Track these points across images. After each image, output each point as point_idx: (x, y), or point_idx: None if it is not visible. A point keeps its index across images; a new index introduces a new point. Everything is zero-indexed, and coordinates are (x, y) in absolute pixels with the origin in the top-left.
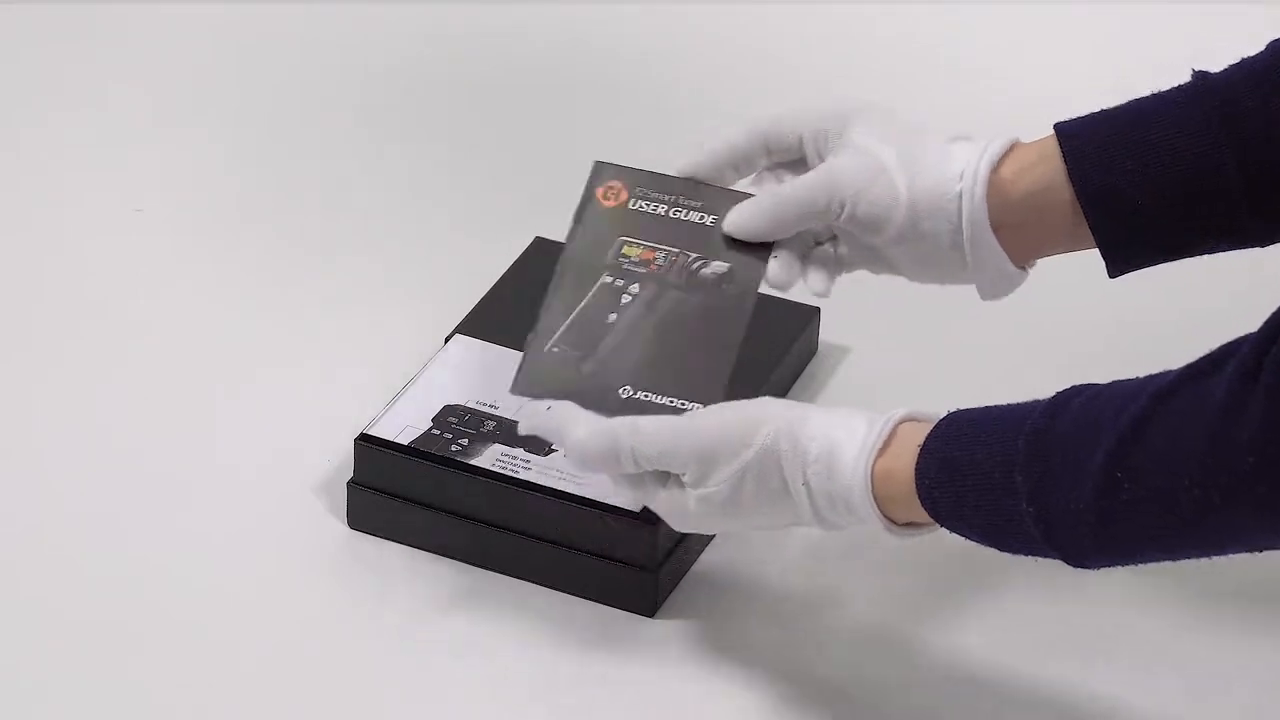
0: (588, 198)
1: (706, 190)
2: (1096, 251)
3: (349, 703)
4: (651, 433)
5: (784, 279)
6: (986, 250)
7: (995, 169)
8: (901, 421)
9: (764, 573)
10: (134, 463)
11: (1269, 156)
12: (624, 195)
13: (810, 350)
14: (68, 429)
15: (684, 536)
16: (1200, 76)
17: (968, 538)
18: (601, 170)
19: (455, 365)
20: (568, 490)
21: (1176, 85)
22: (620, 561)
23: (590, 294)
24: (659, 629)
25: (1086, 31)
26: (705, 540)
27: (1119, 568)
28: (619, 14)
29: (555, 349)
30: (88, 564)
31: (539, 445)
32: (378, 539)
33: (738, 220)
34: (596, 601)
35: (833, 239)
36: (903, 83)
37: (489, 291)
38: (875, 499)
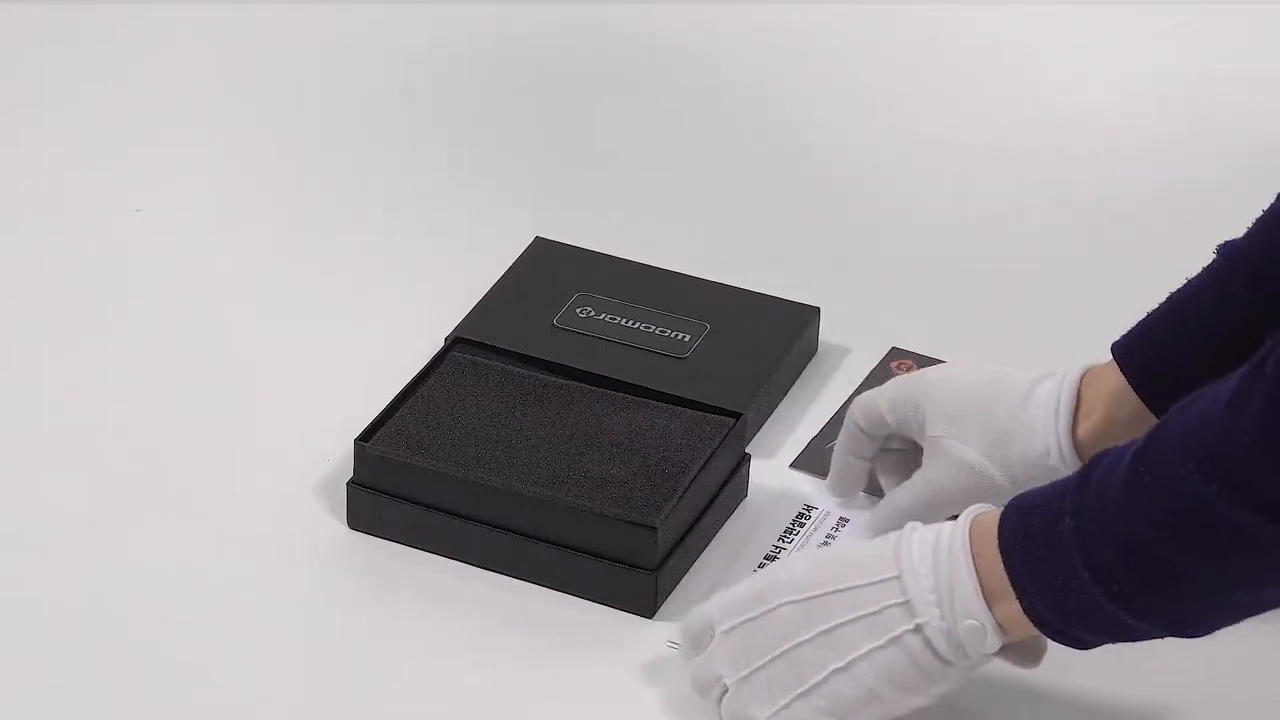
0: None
1: None
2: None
3: (349, 702)
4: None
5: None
6: None
7: (1074, 434)
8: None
9: None
10: (134, 462)
11: None
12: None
13: (810, 350)
14: (67, 429)
15: (684, 537)
16: (1225, 250)
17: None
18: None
19: None
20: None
21: (1207, 268)
22: (620, 562)
23: None
24: (659, 629)
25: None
26: (705, 540)
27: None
28: (620, 13)
29: None
30: (88, 563)
31: None
32: (378, 539)
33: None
34: (596, 601)
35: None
36: (926, 76)
37: (489, 291)
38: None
